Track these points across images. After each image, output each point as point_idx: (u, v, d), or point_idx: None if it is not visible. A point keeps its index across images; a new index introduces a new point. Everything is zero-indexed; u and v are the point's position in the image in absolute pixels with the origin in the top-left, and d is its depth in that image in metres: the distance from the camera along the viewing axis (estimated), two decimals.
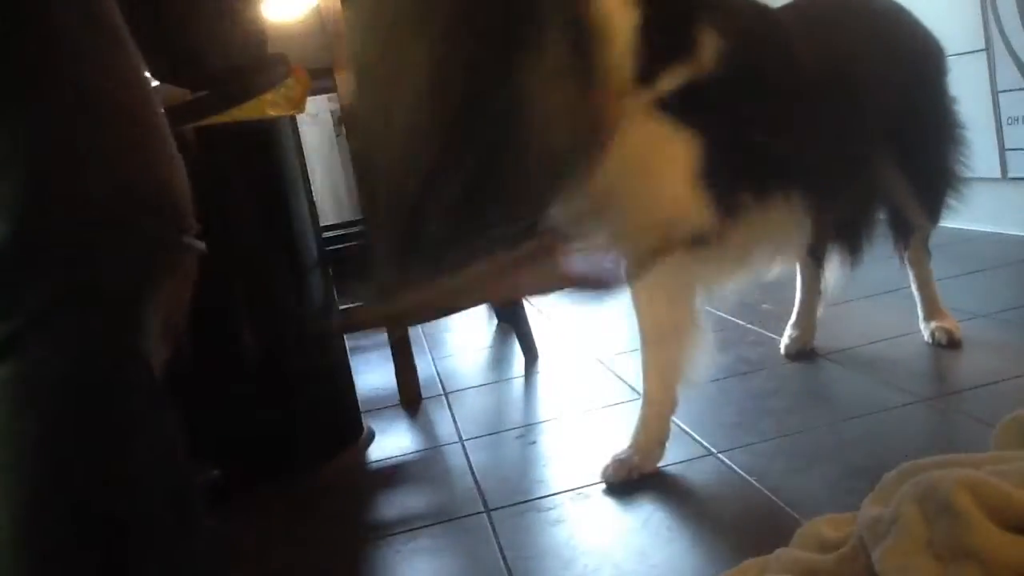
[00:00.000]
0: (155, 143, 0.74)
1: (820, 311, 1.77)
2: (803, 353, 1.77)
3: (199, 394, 1.44)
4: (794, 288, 1.79)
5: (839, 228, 1.62)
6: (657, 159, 1.24)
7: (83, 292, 0.68)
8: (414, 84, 0.96)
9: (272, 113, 1.50)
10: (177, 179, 0.75)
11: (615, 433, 1.48)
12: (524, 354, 2.16)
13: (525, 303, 2.19)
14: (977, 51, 2.38)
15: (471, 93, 0.96)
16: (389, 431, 1.79)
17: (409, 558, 1.23)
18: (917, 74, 1.59)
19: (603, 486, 1.34)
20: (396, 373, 1.95)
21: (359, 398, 1.79)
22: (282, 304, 1.63)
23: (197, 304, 0.80)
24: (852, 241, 1.66)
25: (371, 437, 1.74)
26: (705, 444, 1.42)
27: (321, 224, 1.89)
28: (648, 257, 1.28)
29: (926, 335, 1.69)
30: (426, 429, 1.79)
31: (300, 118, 1.70)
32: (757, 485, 1.24)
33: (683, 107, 1.21)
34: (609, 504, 1.29)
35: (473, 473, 1.48)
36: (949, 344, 1.65)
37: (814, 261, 1.75)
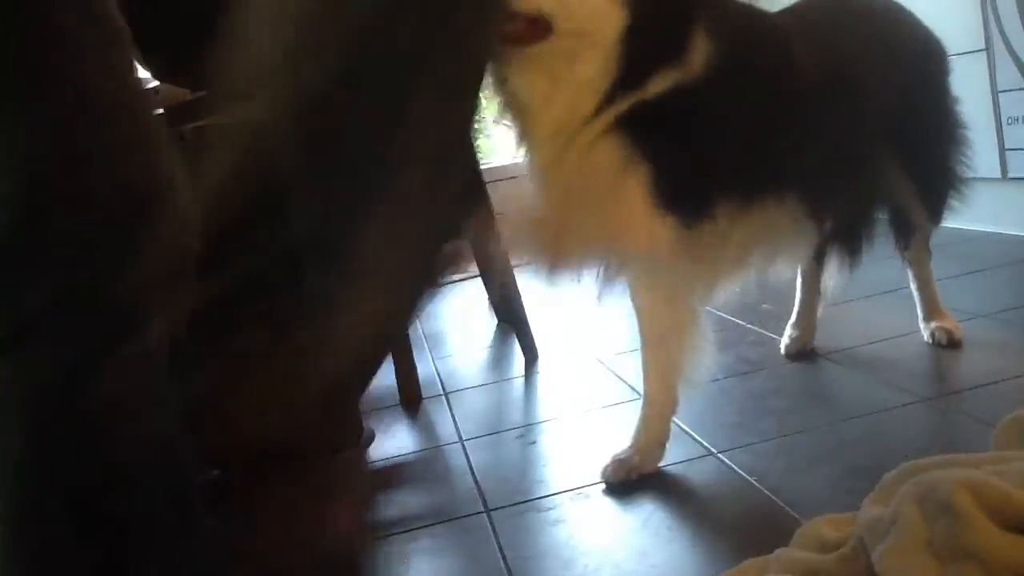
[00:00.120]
0: (155, 143, 0.74)
1: (820, 311, 1.77)
2: (803, 353, 1.76)
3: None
4: (794, 288, 1.79)
5: (839, 229, 1.62)
6: (611, 189, 1.21)
7: (83, 292, 0.68)
8: None
9: None
10: (177, 179, 0.74)
11: (615, 433, 1.48)
12: (524, 354, 2.16)
13: (524, 304, 2.19)
14: (977, 51, 2.38)
15: None
16: (389, 431, 1.79)
17: (409, 558, 1.23)
18: (918, 74, 1.58)
19: (603, 486, 1.33)
20: (396, 373, 1.95)
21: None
22: None
23: (196, 304, 0.80)
24: (852, 241, 1.66)
25: (371, 437, 1.74)
26: (705, 444, 1.42)
27: None
28: (612, 273, 1.28)
29: (926, 335, 1.69)
30: (426, 429, 1.79)
31: None
32: (757, 485, 1.24)
33: (649, 126, 1.18)
34: (609, 504, 1.29)
35: (473, 473, 1.48)
36: (949, 344, 1.65)
37: (814, 261, 1.74)
